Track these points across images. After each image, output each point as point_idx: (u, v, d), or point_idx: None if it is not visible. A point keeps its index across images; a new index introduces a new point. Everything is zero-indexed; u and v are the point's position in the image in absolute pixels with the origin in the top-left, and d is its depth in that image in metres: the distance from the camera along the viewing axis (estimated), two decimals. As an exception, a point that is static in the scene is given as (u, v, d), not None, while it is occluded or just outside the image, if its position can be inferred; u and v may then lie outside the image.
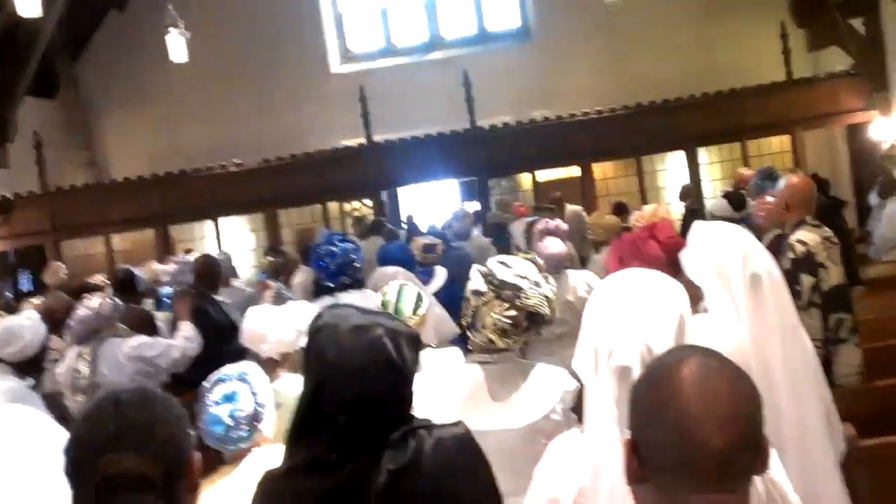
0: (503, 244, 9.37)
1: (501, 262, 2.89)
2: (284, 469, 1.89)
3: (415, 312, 3.57)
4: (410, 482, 1.80)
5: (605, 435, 1.73)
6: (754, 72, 12.52)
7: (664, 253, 3.21)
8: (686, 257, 2.65)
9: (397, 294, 3.62)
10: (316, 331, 1.92)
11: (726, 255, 2.52)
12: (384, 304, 3.55)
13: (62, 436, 2.00)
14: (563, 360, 4.55)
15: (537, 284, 2.84)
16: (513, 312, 2.77)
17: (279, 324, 3.76)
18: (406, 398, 1.91)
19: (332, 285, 4.78)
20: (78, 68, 15.02)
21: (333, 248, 4.85)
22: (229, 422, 2.72)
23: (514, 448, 2.62)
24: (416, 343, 1.95)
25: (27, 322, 4.72)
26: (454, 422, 1.96)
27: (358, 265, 4.87)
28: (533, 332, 2.89)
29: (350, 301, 4.35)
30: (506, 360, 2.83)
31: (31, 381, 4.64)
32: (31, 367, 4.65)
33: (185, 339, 5.41)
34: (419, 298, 3.62)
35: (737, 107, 12.11)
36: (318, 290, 5.33)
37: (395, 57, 15.34)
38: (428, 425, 1.90)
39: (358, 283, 4.81)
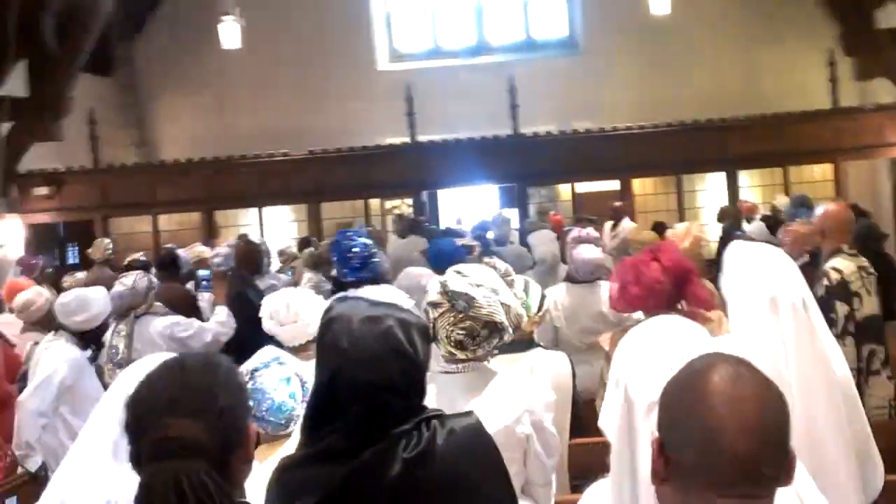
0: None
1: (457, 272, 2.76)
2: (300, 457, 1.92)
3: (538, 309, 3.52)
4: (424, 471, 1.83)
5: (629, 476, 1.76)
6: (799, 98, 12.51)
7: (667, 276, 3.13)
8: (722, 277, 2.64)
9: (524, 288, 3.53)
10: (329, 321, 1.95)
11: (748, 276, 2.50)
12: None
13: None
14: (594, 368, 4.52)
15: (495, 292, 2.70)
16: (467, 323, 2.63)
17: (303, 311, 3.71)
18: (418, 388, 1.95)
19: (354, 280, 4.71)
20: (134, 49, 15.27)
21: (354, 244, 4.85)
22: (291, 405, 2.70)
23: None
24: (427, 334, 1.99)
25: (96, 295, 4.89)
26: (466, 412, 2.02)
27: (376, 261, 4.82)
28: (496, 340, 2.70)
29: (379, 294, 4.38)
30: (471, 370, 2.71)
31: (89, 353, 4.85)
32: (92, 338, 4.85)
33: (218, 323, 5.50)
34: (543, 296, 3.57)
35: (780, 132, 12.09)
36: (338, 286, 5.38)
37: (442, 59, 15.50)
38: (440, 415, 1.93)
39: (377, 280, 4.71)
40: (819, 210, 4.98)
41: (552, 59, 15.03)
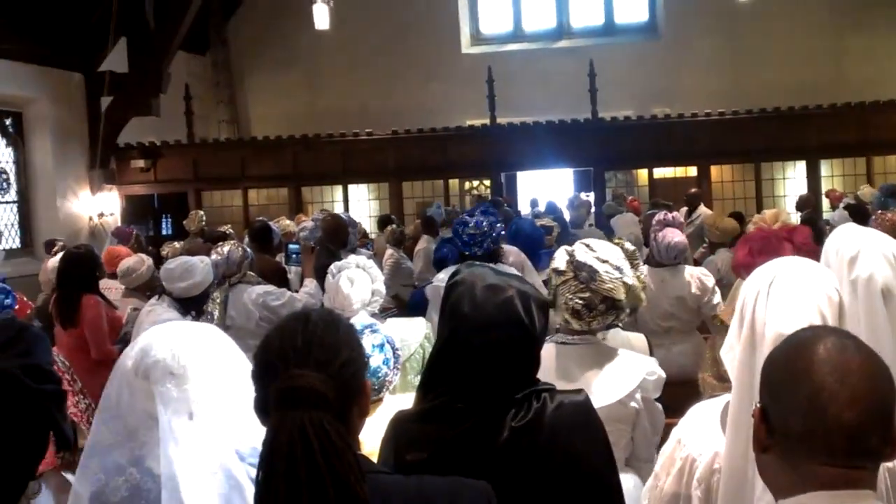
0: (615, 235, 9.43)
1: (586, 245, 2.82)
2: (414, 413, 1.98)
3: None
4: (530, 441, 1.86)
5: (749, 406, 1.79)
6: (884, 86, 12.30)
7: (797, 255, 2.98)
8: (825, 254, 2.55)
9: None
10: (453, 285, 1.99)
11: (840, 255, 2.42)
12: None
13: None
14: (670, 353, 4.67)
15: (618, 269, 2.76)
16: (586, 294, 2.71)
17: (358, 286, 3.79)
18: (532, 360, 1.98)
19: (467, 253, 4.78)
20: (228, 28, 15.66)
21: (467, 219, 4.90)
22: (385, 371, 2.76)
23: None
24: (546, 309, 2.00)
25: (201, 264, 4.98)
26: (576, 389, 2.04)
27: (489, 238, 4.82)
28: (612, 317, 2.79)
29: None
30: (586, 342, 2.79)
31: (189, 319, 4.86)
32: (194, 305, 4.92)
33: (308, 294, 5.51)
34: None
35: (864, 121, 11.92)
36: (439, 259, 5.53)
37: (523, 42, 15.55)
38: (551, 389, 1.96)
39: (488, 256, 4.74)
40: None
41: (632, 44, 14.97)
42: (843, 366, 1.25)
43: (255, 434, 1.81)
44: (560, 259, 2.83)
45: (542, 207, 10.80)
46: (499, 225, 4.89)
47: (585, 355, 2.76)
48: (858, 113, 12.02)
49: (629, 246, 3.16)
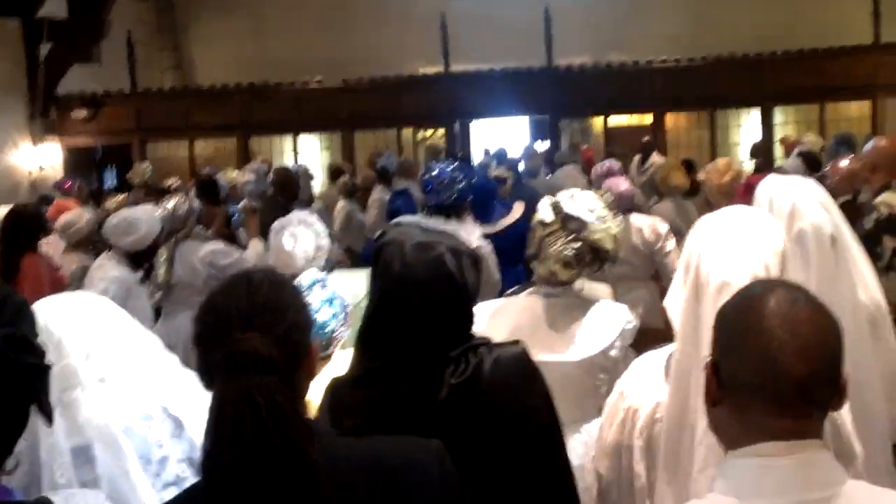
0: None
1: (570, 196, 2.89)
2: (351, 377, 1.97)
3: None
4: (470, 397, 1.86)
5: (694, 357, 1.83)
6: (840, 32, 12.17)
7: None
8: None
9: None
10: (382, 246, 1.98)
11: (778, 208, 2.48)
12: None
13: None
14: (625, 300, 4.69)
15: (603, 220, 2.84)
16: (577, 244, 2.78)
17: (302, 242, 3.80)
18: (466, 316, 1.97)
19: (434, 204, 4.69)
20: (172, -30, 15.18)
21: (433, 166, 4.88)
22: (333, 325, 2.75)
23: (571, 380, 2.66)
24: (478, 264, 1.99)
25: (144, 215, 4.94)
26: (512, 341, 2.01)
27: (449, 191, 4.70)
28: (595, 267, 2.88)
29: (427, 225, 4.24)
30: (568, 295, 2.86)
31: (139, 275, 4.88)
32: (143, 259, 4.88)
33: (256, 255, 5.41)
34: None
35: (818, 67, 11.89)
36: (392, 212, 5.40)
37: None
38: (487, 343, 1.95)
39: (447, 209, 4.67)
40: (870, 145, 4.94)
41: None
42: (792, 319, 1.28)
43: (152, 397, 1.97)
44: (545, 210, 2.87)
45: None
46: (463, 182, 4.76)
47: (570, 306, 2.83)
48: (813, 59, 12.01)
49: (609, 196, 3.18)
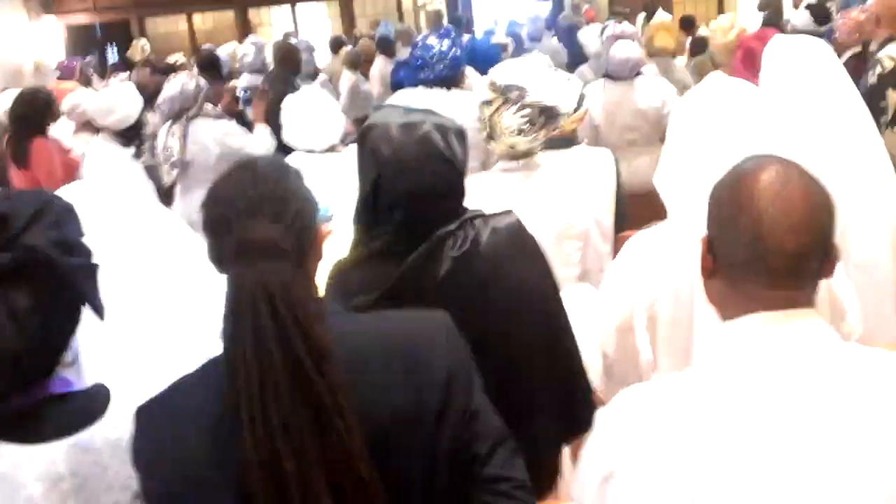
0: (574, 48, 9.32)
1: (503, 67, 2.88)
2: (352, 260, 1.99)
3: (578, 107, 3.35)
4: (471, 268, 1.89)
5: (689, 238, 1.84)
6: None
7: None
8: (762, 75, 2.65)
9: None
10: (366, 130, 1.95)
11: (783, 70, 2.49)
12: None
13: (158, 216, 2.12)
14: (633, 166, 4.64)
15: (544, 78, 2.80)
16: (525, 111, 2.75)
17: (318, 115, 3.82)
18: (459, 190, 1.97)
19: (432, 78, 4.62)
20: None
21: (419, 41, 4.80)
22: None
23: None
24: (464, 137, 1.97)
25: (122, 93, 5.05)
26: (506, 211, 2.03)
27: (443, 63, 4.64)
28: (551, 127, 2.83)
29: (430, 98, 4.34)
30: (529, 166, 2.84)
31: (132, 150, 5.04)
32: (132, 134, 5.03)
33: (263, 146, 5.41)
34: (583, 96, 3.38)
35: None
36: (397, 83, 5.36)
37: None
38: (482, 215, 1.97)
39: (443, 81, 4.62)
40: None
41: None
42: (785, 196, 1.30)
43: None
44: (482, 90, 2.85)
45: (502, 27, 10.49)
46: (454, 48, 4.68)
47: (530, 178, 2.80)
48: None
49: (544, 58, 3.26)
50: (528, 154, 2.84)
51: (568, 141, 3.46)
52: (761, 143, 1.86)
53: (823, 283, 1.44)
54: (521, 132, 2.77)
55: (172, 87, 5.21)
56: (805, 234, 1.29)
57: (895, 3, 4.52)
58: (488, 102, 2.81)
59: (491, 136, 2.84)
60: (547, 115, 2.78)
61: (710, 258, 1.38)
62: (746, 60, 3.15)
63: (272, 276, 1.30)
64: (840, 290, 2.04)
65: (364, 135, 1.95)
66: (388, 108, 2.03)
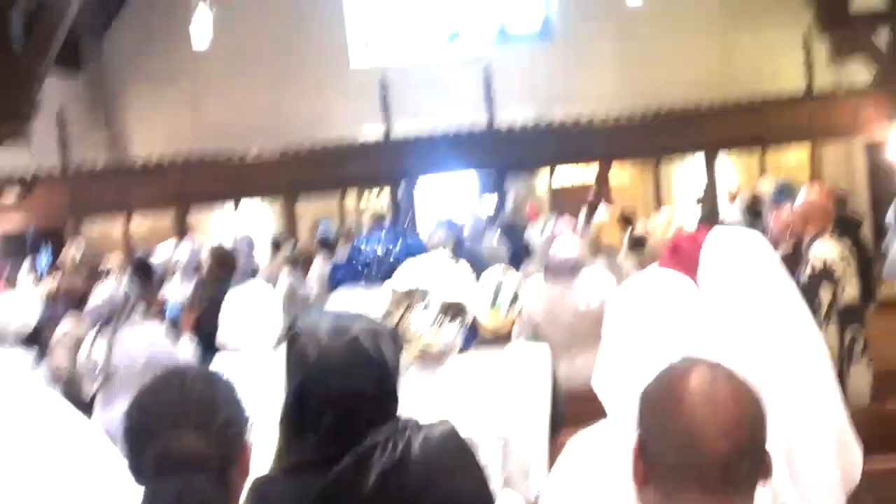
0: (516, 246, 9.41)
1: (402, 273, 2.86)
2: (275, 471, 1.92)
3: (513, 306, 3.46)
4: (400, 481, 1.81)
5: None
6: (775, 80, 12.55)
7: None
8: (700, 266, 2.61)
9: (497, 285, 3.48)
10: (295, 336, 1.93)
11: (722, 267, 2.50)
12: (483, 295, 3.39)
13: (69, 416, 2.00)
14: (574, 366, 4.60)
15: (445, 276, 2.80)
16: (430, 311, 2.73)
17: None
18: (389, 396, 1.93)
19: (361, 279, 4.48)
20: (104, 44, 14.94)
21: (361, 247, 4.83)
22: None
23: None
24: (397, 341, 1.98)
25: (20, 303, 4.94)
26: (440, 420, 1.98)
27: (385, 265, 4.73)
28: (460, 322, 2.79)
29: (367, 297, 4.35)
30: (445, 367, 2.79)
31: (33, 357, 4.80)
32: (32, 342, 4.83)
33: (188, 352, 5.40)
34: (518, 293, 3.50)
35: (756, 116, 12.13)
36: (334, 283, 5.26)
37: (418, 49, 15.34)
38: (414, 424, 1.91)
39: (381, 283, 4.67)
40: (800, 196, 4.98)
41: (528, 48, 14.95)
42: (714, 399, 1.30)
43: None
44: (385, 297, 2.83)
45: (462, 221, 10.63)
46: (392, 247, 4.48)
47: (447, 382, 2.75)
48: (750, 108, 12.23)
49: (447, 257, 3.14)
50: (443, 355, 2.77)
51: (504, 340, 3.45)
52: (696, 342, 1.87)
53: (768, 493, 1.48)
54: (430, 334, 2.73)
55: (101, 293, 5.18)
56: (736, 435, 1.28)
57: (820, 202, 4.82)
58: (389, 313, 2.77)
59: (402, 343, 2.69)
60: (454, 311, 2.75)
61: (642, 464, 1.36)
62: (672, 256, 3.07)
63: (190, 493, 1.27)
64: (787, 500, 2.00)
65: (292, 338, 1.92)
66: (319, 312, 2.03)
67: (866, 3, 11.63)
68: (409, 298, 2.75)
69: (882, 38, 11.54)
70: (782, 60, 12.89)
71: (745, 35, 13.95)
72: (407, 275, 2.82)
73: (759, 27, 13.89)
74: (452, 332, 2.76)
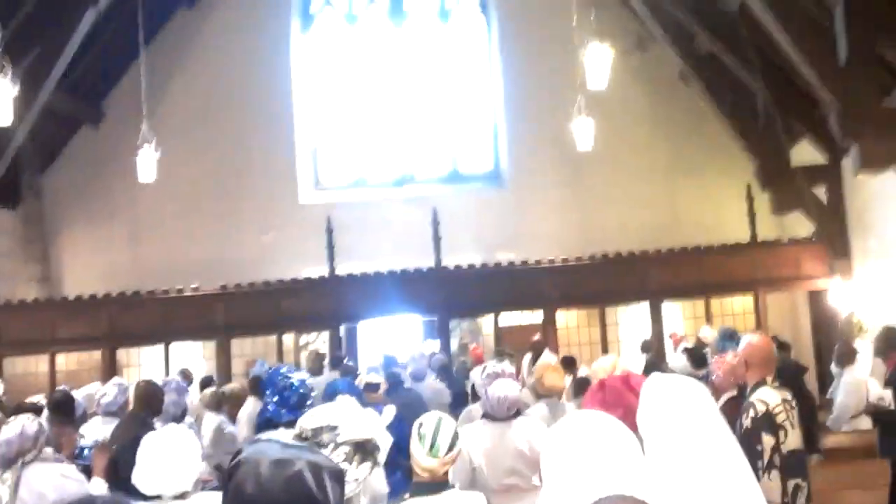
0: (456, 387, 9.21)
1: (310, 414, 2.88)
2: None
3: (450, 449, 3.50)
4: None
5: None
6: (719, 229, 12.77)
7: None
8: (639, 412, 2.58)
9: (435, 427, 3.55)
10: (236, 465, 1.87)
11: (662, 409, 2.48)
12: (421, 437, 3.50)
13: None
14: None
15: (353, 415, 2.82)
16: (340, 449, 2.71)
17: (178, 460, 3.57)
18: None
19: (290, 418, 4.52)
20: (43, 181, 14.86)
21: (292, 380, 4.73)
22: None
23: None
24: (340, 477, 1.90)
25: None
26: None
27: (311, 398, 4.73)
28: (371, 462, 2.78)
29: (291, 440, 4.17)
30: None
31: None
32: None
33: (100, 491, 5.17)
34: (456, 435, 3.55)
35: (701, 264, 12.22)
36: (263, 424, 5.09)
37: (366, 191, 15.45)
38: None
39: None
40: (742, 342, 5.02)
41: (477, 192, 15.19)
42: None
43: None
44: (295, 436, 2.80)
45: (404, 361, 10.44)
46: (308, 390, 4.75)
47: None
48: (695, 256, 12.35)
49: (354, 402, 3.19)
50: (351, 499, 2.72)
51: (440, 485, 3.51)
52: (627, 485, 1.80)
53: None
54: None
55: (12, 429, 4.94)
56: None
57: (762, 348, 4.84)
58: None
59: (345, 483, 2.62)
60: (363, 450, 2.73)
61: None
62: (598, 394, 2.96)
63: None
64: None
65: (233, 468, 1.86)
66: (265, 443, 1.95)
67: (806, 158, 11.96)
68: (317, 437, 2.71)
69: (821, 191, 11.82)
70: (727, 210, 13.18)
71: (691, 184, 14.35)
72: (315, 416, 2.80)
73: (704, 177, 14.32)
74: (363, 473, 2.72)
